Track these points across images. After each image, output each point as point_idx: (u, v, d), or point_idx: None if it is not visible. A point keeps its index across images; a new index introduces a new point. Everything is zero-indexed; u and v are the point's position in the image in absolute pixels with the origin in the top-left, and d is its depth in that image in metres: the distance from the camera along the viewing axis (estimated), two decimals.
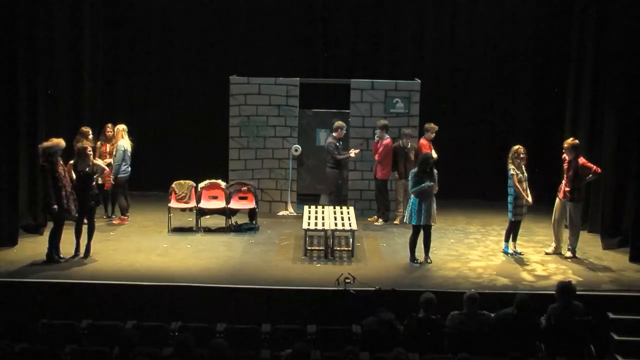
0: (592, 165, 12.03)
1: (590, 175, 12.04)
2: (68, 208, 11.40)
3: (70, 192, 11.43)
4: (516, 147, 12.07)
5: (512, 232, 12.28)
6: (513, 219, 12.12)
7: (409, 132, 14.08)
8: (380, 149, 13.93)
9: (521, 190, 11.90)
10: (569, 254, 12.13)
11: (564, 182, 12.07)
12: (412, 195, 11.62)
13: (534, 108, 15.94)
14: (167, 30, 16.09)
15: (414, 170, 11.73)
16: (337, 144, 14.07)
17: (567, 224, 12.16)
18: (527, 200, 11.96)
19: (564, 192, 12.04)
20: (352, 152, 14.16)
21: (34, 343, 8.53)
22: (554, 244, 12.35)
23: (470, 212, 14.92)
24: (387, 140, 13.95)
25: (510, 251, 12.25)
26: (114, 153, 13.55)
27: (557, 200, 12.21)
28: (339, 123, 14.13)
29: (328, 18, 16.14)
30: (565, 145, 12.04)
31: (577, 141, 12.15)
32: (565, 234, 12.25)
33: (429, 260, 11.75)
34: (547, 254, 12.30)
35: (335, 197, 14.17)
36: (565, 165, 12.06)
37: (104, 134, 13.85)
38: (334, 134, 14.11)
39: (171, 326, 9.14)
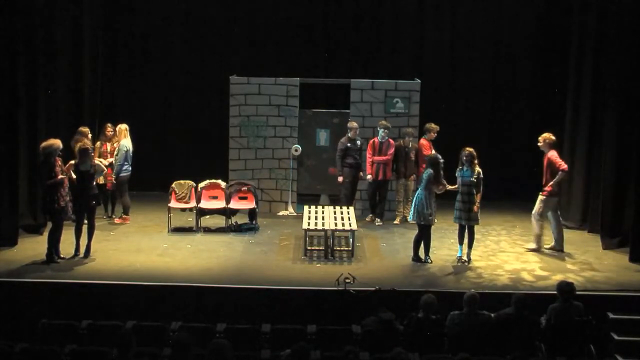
0: (559, 161, 12.04)
1: (560, 174, 12.03)
2: (65, 208, 11.42)
3: (67, 192, 11.45)
4: (468, 149, 11.91)
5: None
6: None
7: (410, 131, 14.07)
8: (391, 150, 13.87)
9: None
10: (547, 246, 12.32)
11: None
12: (420, 195, 11.58)
13: (533, 108, 15.93)
14: (167, 29, 16.05)
15: (430, 171, 11.66)
16: (348, 144, 13.93)
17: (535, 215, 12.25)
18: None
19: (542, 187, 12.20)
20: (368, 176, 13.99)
21: (34, 343, 8.53)
22: (552, 241, 12.46)
23: None
24: (391, 141, 13.94)
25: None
26: (115, 152, 13.56)
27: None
28: (350, 124, 14.02)
29: (328, 18, 16.14)
30: (540, 139, 12.11)
31: (550, 135, 12.16)
32: (547, 229, 12.40)
33: (429, 260, 11.76)
34: (546, 249, 12.41)
35: (350, 194, 14.02)
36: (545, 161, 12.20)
37: (104, 134, 13.84)
38: (348, 134, 14.04)
39: (171, 326, 9.15)
